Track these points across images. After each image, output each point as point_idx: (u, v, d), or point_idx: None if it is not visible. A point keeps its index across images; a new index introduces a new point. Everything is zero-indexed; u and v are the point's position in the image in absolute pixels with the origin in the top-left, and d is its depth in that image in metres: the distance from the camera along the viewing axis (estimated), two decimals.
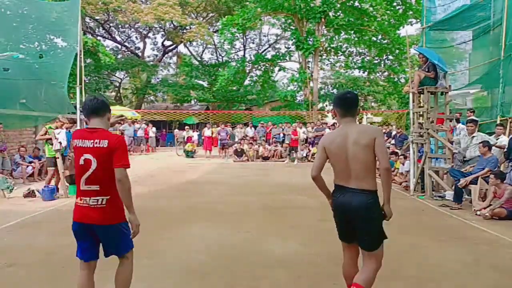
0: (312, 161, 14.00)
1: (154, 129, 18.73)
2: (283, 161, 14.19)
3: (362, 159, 2.40)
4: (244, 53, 30.06)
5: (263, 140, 16.00)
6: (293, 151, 14.26)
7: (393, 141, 12.50)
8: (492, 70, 8.87)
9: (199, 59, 31.01)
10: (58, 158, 7.23)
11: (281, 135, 15.25)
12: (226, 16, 20.46)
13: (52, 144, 7.26)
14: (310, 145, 14.78)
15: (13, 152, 9.96)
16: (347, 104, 2.56)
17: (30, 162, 9.69)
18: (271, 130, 16.09)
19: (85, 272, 2.46)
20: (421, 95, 7.70)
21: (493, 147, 6.73)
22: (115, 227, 2.40)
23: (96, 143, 2.33)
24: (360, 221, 2.42)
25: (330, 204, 2.63)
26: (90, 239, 2.43)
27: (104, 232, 2.39)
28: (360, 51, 24.36)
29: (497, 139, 7.10)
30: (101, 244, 2.49)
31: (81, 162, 2.36)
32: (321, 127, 15.59)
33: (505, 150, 6.45)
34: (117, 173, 2.30)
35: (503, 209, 5.43)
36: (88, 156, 2.34)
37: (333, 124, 16.32)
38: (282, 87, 31.92)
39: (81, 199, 2.38)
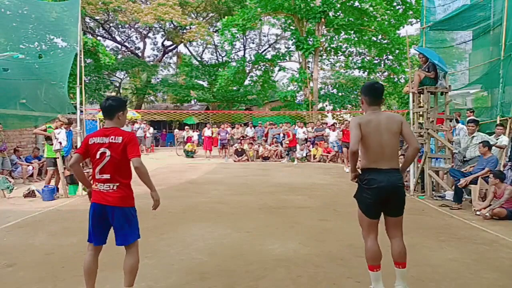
0: (311, 161, 14.05)
1: (151, 129, 18.59)
2: (281, 160, 14.18)
3: (393, 143, 2.80)
4: (244, 53, 30.08)
5: (263, 140, 15.99)
6: (292, 151, 14.27)
7: None
8: (492, 70, 8.86)
9: (199, 59, 31.00)
10: (58, 158, 7.23)
11: (281, 135, 15.25)
12: (226, 17, 20.44)
13: (52, 144, 7.26)
14: (311, 145, 14.78)
15: (11, 153, 9.96)
16: (377, 93, 2.89)
17: (30, 163, 9.70)
18: (269, 130, 16.09)
19: (92, 253, 2.81)
20: (421, 95, 7.70)
21: (493, 147, 6.73)
22: (126, 210, 2.77)
23: (112, 139, 2.74)
24: (397, 194, 2.80)
25: (354, 177, 2.94)
26: (103, 223, 2.77)
27: (116, 213, 2.72)
28: (360, 51, 24.32)
29: (497, 139, 7.10)
30: (113, 231, 2.79)
31: (98, 156, 2.75)
32: (321, 127, 15.59)
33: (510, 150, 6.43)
34: (134, 162, 2.72)
35: (503, 209, 5.43)
36: (104, 149, 2.73)
37: (333, 124, 16.31)
38: (282, 87, 31.95)
39: (96, 185, 2.78)
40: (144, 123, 18.53)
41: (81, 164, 2.95)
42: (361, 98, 2.99)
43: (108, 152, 2.72)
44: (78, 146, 7.82)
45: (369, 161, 2.80)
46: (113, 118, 2.85)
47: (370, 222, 2.86)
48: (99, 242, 2.81)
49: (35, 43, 11.32)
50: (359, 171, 2.95)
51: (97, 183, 2.78)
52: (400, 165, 2.93)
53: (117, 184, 2.75)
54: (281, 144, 14.86)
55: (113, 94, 29.43)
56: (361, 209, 2.89)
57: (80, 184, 7.45)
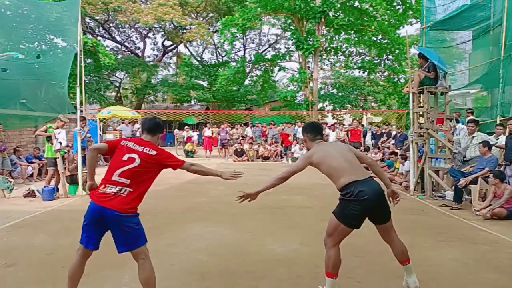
0: None
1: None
2: (281, 161, 14.19)
3: (353, 156, 2.98)
4: (244, 53, 30.08)
5: (263, 140, 15.99)
6: (288, 150, 14.34)
7: (393, 141, 12.47)
8: (492, 70, 8.86)
9: (199, 59, 31.00)
10: (58, 158, 7.23)
11: (278, 135, 15.28)
12: (226, 16, 20.45)
13: (52, 144, 7.26)
14: None
15: (12, 153, 9.96)
16: (317, 129, 3.22)
17: (31, 163, 9.69)
18: (268, 131, 16.09)
19: (80, 258, 2.66)
20: (421, 95, 7.70)
21: (493, 147, 6.73)
22: (127, 218, 2.57)
23: (146, 149, 2.70)
24: (383, 201, 2.88)
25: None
26: (99, 227, 2.59)
27: (116, 220, 2.53)
28: (360, 51, 24.32)
29: (497, 139, 7.10)
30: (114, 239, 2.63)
31: (125, 158, 2.65)
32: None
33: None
34: (185, 167, 2.79)
35: (503, 209, 5.43)
36: (134, 155, 2.65)
37: (333, 124, 16.31)
38: (282, 87, 31.93)
39: (105, 186, 2.60)
40: None
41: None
42: (304, 137, 3.25)
43: (138, 159, 2.64)
44: (79, 146, 7.85)
45: (344, 178, 2.82)
46: (154, 136, 2.86)
47: (348, 232, 2.87)
48: (90, 246, 2.64)
49: (35, 43, 11.32)
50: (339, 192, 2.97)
51: (108, 185, 2.61)
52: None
53: (131, 190, 2.60)
54: (281, 144, 14.89)
55: (113, 94, 29.43)
56: (342, 221, 2.85)
57: (80, 184, 7.45)
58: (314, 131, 3.20)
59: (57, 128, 7.34)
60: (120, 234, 2.58)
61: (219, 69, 27.24)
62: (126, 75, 28.80)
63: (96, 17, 25.57)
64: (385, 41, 20.97)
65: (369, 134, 14.52)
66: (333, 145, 3.18)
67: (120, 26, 28.38)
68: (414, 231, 4.86)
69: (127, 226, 2.56)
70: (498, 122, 8.05)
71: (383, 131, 13.85)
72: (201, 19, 28.53)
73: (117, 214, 2.53)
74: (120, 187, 2.58)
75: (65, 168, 7.43)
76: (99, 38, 26.40)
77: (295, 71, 25.33)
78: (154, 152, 2.70)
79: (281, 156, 14.52)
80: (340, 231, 2.88)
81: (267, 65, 24.49)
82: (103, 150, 2.79)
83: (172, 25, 26.27)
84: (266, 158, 14.57)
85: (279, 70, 24.96)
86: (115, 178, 2.60)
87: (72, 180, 7.54)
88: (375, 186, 2.81)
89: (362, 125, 16.90)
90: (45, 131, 7.40)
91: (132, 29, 29.62)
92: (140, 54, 29.94)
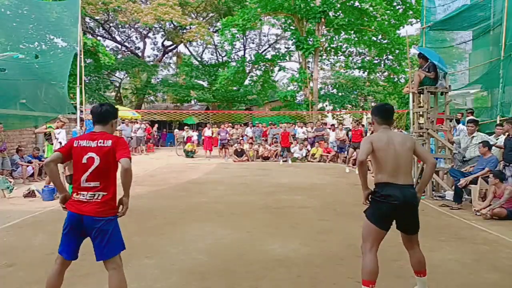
0: (311, 161, 14.05)
1: (140, 131, 18.10)
2: (277, 161, 14.16)
3: (408, 158, 2.82)
4: (244, 53, 30.08)
5: (263, 140, 16.00)
6: (286, 151, 14.33)
7: None
8: (492, 70, 8.87)
9: (199, 59, 31.00)
10: None
11: (279, 135, 15.26)
12: (226, 17, 20.46)
13: (52, 144, 7.26)
14: (309, 145, 14.77)
15: (13, 152, 9.96)
16: (387, 114, 3.00)
17: (30, 162, 9.69)
18: (269, 130, 16.09)
19: (59, 267, 2.57)
20: (421, 95, 7.70)
21: (493, 147, 6.73)
22: (105, 221, 2.49)
23: (100, 142, 2.54)
24: (411, 212, 2.83)
25: (366, 195, 2.87)
26: (77, 236, 2.54)
27: (94, 225, 2.46)
28: (360, 51, 24.33)
29: (497, 139, 7.10)
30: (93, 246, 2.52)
31: (84, 161, 2.53)
32: (321, 127, 15.60)
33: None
34: (124, 163, 2.48)
35: (503, 209, 5.43)
36: (92, 154, 2.52)
37: (333, 124, 16.32)
38: (282, 87, 31.95)
39: (77, 194, 2.53)
40: (144, 123, 18.50)
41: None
42: (372, 118, 3.05)
43: (96, 158, 2.50)
44: None
45: (384, 175, 2.77)
46: (107, 124, 2.68)
47: (378, 233, 2.78)
48: (69, 256, 2.56)
49: (35, 43, 11.32)
50: (370, 186, 2.90)
51: (80, 192, 2.52)
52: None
53: (105, 193, 2.52)
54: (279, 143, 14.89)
55: (113, 94, 29.45)
56: (371, 221, 2.80)
57: None
58: (383, 115, 2.99)
59: (57, 128, 7.35)
60: (98, 241, 2.48)
61: (219, 69, 27.24)
62: (126, 75, 28.82)
63: (96, 17, 25.57)
64: (385, 41, 20.98)
65: (368, 134, 14.53)
66: (397, 138, 2.86)
67: (120, 26, 28.38)
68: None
69: (105, 231, 2.47)
70: (498, 122, 8.05)
71: None
72: (201, 19, 28.53)
73: (94, 219, 2.46)
74: (92, 193, 2.50)
75: (65, 168, 7.43)
76: (99, 38, 26.40)
77: (295, 71, 25.34)
78: (109, 143, 2.54)
79: (281, 156, 14.48)
80: (372, 233, 2.79)
81: (267, 65, 24.49)
82: (59, 159, 2.59)
83: (172, 25, 26.28)
84: (266, 158, 14.57)
85: (279, 70, 24.98)
86: (84, 185, 2.52)
87: (72, 180, 7.53)
88: (408, 195, 2.74)
89: (363, 125, 16.90)
90: (44, 128, 7.39)
91: (132, 29, 29.62)
92: (140, 54, 29.95)
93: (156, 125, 20.38)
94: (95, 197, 2.50)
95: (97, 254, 2.51)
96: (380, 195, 2.77)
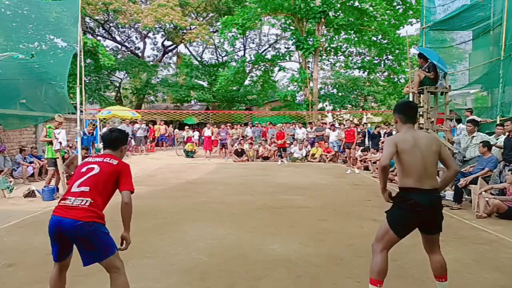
0: (311, 161, 14.04)
1: (140, 131, 17.98)
2: (277, 161, 14.16)
3: (434, 161, 2.69)
4: (244, 53, 30.11)
5: (263, 140, 16.00)
6: (283, 151, 14.35)
7: None
8: (492, 70, 8.87)
9: (199, 59, 31.02)
10: (58, 158, 7.22)
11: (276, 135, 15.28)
12: (226, 16, 20.46)
13: (52, 144, 7.25)
14: (309, 145, 14.77)
15: (13, 152, 9.96)
16: (411, 112, 2.84)
17: (31, 162, 9.69)
18: (268, 130, 16.11)
19: (58, 269, 2.54)
20: (421, 95, 7.70)
21: (493, 147, 6.73)
22: (92, 225, 2.35)
23: (106, 159, 2.61)
24: (437, 216, 2.73)
25: (386, 197, 2.77)
26: (59, 240, 2.43)
27: (74, 229, 2.32)
28: (360, 51, 24.36)
29: (497, 139, 7.10)
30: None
31: (83, 169, 2.56)
32: (321, 127, 15.59)
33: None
34: (125, 196, 2.47)
35: (503, 204, 5.39)
36: (93, 165, 2.56)
37: (333, 124, 16.31)
38: (282, 87, 31.95)
39: (65, 199, 2.46)
40: (144, 123, 18.51)
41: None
42: (395, 117, 2.91)
43: (97, 167, 2.52)
44: (80, 145, 7.85)
45: (410, 180, 2.66)
46: (116, 149, 2.74)
47: (395, 239, 2.73)
48: (56, 259, 2.51)
49: (35, 43, 11.30)
50: (391, 190, 2.81)
51: (68, 197, 2.44)
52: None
53: (92, 201, 2.41)
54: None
55: (113, 94, 29.45)
56: (391, 227, 2.72)
57: None
58: (407, 113, 2.82)
59: (56, 128, 7.34)
60: (81, 244, 2.36)
61: (219, 69, 27.26)
62: (126, 75, 28.83)
63: (96, 17, 25.58)
64: (385, 41, 21.01)
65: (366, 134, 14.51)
66: (423, 139, 2.70)
67: (120, 26, 28.40)
68: (414, 231, 4.85)
69: (88, 233, 2.33)
70: (498, 122, 8.05)
71: (384, 131, 13.83)
72: (201, 19, 28.54)
73: (75, 223, 2.31)
74: (81, 198, 2.40)
75: (65, 168, 7.43)
76: (99, 38, 26.42)
77: (295, 71, 25.35)
78: (115, 162, 2.59)
79: (281, 156, 14.47)
80: (388, 238, 2.74)
81: (267, 65, 24.51)
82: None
83: (172, 25, 26.29)
84: (266, 158, 14.57)
85: (279, 70, 25.01)
86: (74, 190, 2.46)
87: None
88: (434, 200, 2.66)
89: (363, 125, 16.90)
90: (45, 136, 7.35)
91: (132, 29, 29.64)
92: (140, 54, 29.97)
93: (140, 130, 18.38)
94: (82, 203, 2.38)
95: (83, 258, 2.38)
96: (406, 203, 2.66)
